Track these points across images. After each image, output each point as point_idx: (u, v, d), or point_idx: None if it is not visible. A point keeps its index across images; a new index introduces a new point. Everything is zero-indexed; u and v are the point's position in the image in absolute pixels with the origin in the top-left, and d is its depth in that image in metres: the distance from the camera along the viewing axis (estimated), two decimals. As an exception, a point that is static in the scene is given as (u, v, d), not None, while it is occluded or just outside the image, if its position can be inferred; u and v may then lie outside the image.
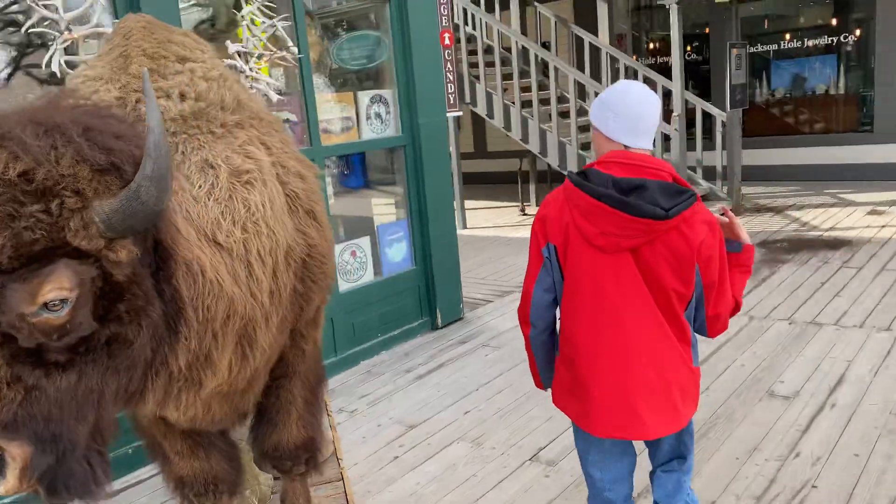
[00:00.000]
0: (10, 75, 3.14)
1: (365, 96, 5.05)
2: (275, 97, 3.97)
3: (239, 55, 3.83)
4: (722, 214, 1.99)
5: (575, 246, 1.88)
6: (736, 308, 1.97)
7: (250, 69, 3.86)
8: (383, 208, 5.57)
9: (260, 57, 3.92)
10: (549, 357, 2.10)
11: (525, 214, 10.37)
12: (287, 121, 4.68)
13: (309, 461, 2.30)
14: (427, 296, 5.47)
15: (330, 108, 4.83)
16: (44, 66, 3.14)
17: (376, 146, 5.18)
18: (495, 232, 9.26)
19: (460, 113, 5.64)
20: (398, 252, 5.31)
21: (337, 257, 4.84)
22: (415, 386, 4.49)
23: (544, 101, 9.03)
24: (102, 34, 3.30)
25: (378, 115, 5.12)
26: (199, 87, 1.77)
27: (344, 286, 4.87)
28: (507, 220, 10.00)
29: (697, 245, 1.83)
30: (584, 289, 1.90)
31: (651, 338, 1.88)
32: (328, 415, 3.46)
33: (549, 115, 8.83)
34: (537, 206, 10.94)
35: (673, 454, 2.10)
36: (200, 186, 1.62)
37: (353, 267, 4.96)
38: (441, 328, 5.50)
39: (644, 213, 1.76)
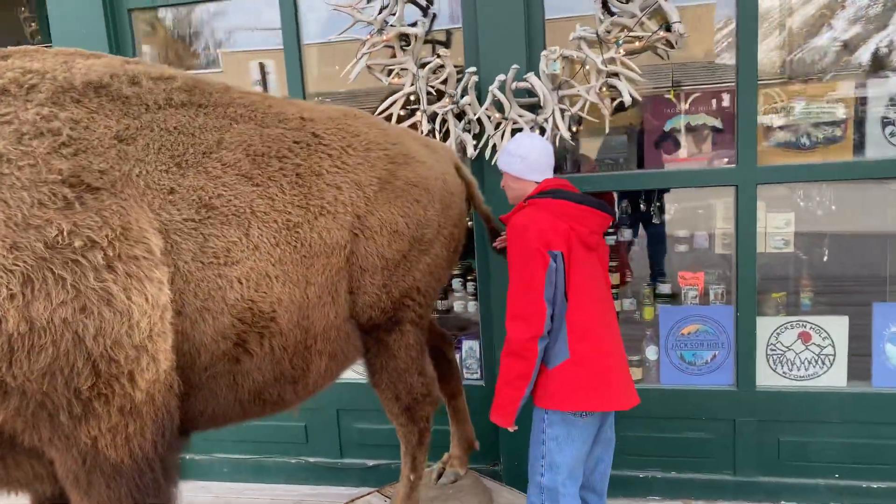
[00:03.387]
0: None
1: (886, 87, 2.98)
2: (629, 98, 2.78)
3: (588, 42, 2.81)
4: None
5: (576, 249, 2.22)
6: None
7: (603, 62, 2.78)
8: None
9: (624, 43, 2.79)
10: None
11: None
12: (702, 125, 3.27)
13: None
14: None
15: (794, 106, 3.04)
16: (351, 76, 3.02)
17: (884, 172, 3.02)
18: None
19: None
20: (916, 354, 3.08)
21: (772, 337, 3.16)
22: None
23: None
24: (411, 35, 2.93)
25: (914, 120, 2.96)
26: None
27: (774, 381, 3.16)
28: None
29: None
30: (585, 286, 2.23)
31: (614, 319, 2.35)
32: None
33: None
34: None
35: (612, 440, 2.42)
36: None
37: (799, 358, 3.14)
38: None
39: (609, 211, 2.30)
